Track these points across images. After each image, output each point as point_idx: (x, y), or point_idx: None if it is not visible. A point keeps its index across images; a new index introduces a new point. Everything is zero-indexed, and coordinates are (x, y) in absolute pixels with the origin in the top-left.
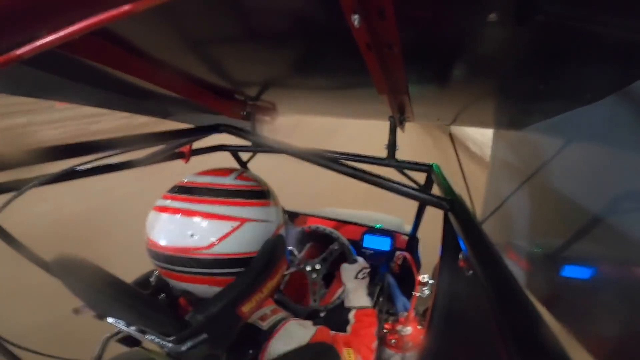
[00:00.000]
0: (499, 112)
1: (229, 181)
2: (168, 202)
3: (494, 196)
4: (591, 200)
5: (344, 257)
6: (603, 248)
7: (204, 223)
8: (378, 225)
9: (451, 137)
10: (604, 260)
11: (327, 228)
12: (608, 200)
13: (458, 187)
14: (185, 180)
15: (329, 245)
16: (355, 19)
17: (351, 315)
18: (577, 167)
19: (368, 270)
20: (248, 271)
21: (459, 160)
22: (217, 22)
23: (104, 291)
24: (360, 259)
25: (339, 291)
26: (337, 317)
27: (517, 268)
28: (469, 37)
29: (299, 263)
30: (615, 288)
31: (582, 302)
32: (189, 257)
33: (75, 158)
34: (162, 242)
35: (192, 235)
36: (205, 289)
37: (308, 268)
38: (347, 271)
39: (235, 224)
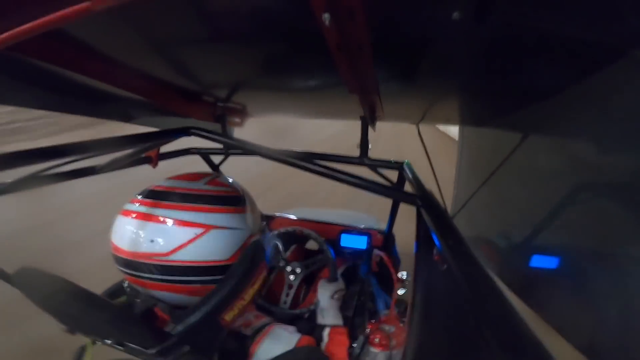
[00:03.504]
0: (464, 109)
1: (198, 186)
2: (133, 206)
3: (463, 191)
4: (552, 193)
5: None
6: (565, 238)
7: (166, 229)
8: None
9: (419, 132)
10: (567, 249)
11: (320, 238)
12: (567, 192)
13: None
14: (155, 185)
15: (313, 251)
16: (326, 18)
17: (325, 334)
18: (538, 160)
19: (343, 292)
20: (228, 279)
21: (427, 156)
22: (182, 21)
23: (72, 304)
24: (339, 280)
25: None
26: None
27: (488, 260)
28: (435, 35)
29: (282, 262)
30: (579, 275)
31: (549, 289)
32: (150, 263)
33: (32, 165)
34: (124, 247)
35: (152, 241)
36: (172, 297)
37: (288, 269)
38: (325, 289)
39: (199, 230)
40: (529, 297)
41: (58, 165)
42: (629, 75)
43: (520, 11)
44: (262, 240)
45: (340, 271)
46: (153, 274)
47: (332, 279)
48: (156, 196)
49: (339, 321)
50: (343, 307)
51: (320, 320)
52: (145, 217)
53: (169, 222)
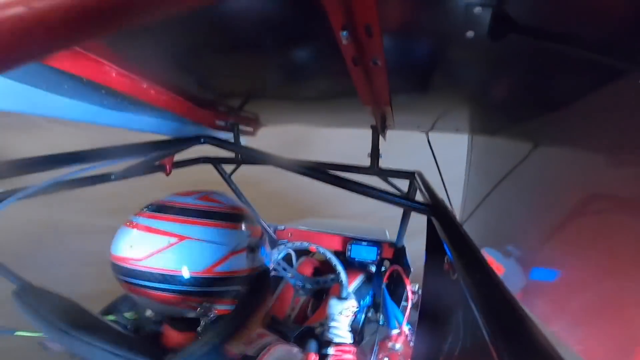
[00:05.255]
0: (474, 119)
1: (187, 200)
2: (132, 217)
3: (471, 200)
4: (557, 205)
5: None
6: (566, 251)
7: (143, 236)
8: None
9: (429, 141)
10: (572, 262)
11: (334, 258)
12: (573, 206)
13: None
14: (159, 199)
15: (323, 262)
16: (344, 35)
17: (331, 350)
18: (546, 171)
19: (355, 309)
20: (236, 310)
21: (437, 164)
22: (201, 33)
23: (71, 327)
24: (351, 298)
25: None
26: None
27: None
28: (448, 51)
29: (292, 275)
30: (583, 288)
31: (555, 300)
32: (128, 267)
33: (51, 171)
34: (112, 252)
35: (131, 246)
36: (150, 304)
37: (298, 284)
38: (335, 306)
39: (172, 239)
40: (529, 309)
41: (74, 172)
42: (637, 88)
43: (533, 30)
44: (266, 267)
45: (355, 284)
46: (131, 277)
47: (343, 297)
48: (151, 209)
49: (347, 339)
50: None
51: (327, 336)
52: (133, 225)
53: (148, 230)
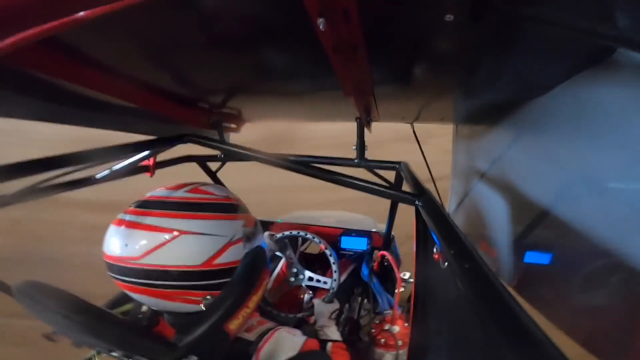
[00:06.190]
0: (458, 108)
1: (177, 194)
2: (121, 215)
3: (459, 189)
4: (545, 189)
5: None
6: (557, 234)
7: (138, 234)
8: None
9: (414, 132)
10: (560, 245)
11: (336, 266)
12: (560, 189)
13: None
14: (146, 195)
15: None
16: (321, 22)
17: (328, 348)
18: (531, 157)
19: (337, 312)
20: (231, 287)
21: (423, 155)
22: (176, 27)
23: (75, 319)
24: (335, 302)
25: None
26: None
27: (488, 256)
28: (429, 36)
29: (293, 259)
30: (573, 270)
31: (546, 284)
32: (125, 266)
33: (30, 176)
34: (107, 252)
35: (126, 245)
36: (150, 300)
37: (294, 270)
38: (322, 309)
39: (168, 236)
40: (525, 291)
41: (56, 177)
42: (615, 72)
43: (514, 11)
44: (261, 246)
45: (347, 273)
46: (129, 276)
47: (329, 301)
48: (141, 205)
49: (339, 337)
50: (348, 310)
51: (322, 335)
52: (125, 223)
53: (142, 227)
